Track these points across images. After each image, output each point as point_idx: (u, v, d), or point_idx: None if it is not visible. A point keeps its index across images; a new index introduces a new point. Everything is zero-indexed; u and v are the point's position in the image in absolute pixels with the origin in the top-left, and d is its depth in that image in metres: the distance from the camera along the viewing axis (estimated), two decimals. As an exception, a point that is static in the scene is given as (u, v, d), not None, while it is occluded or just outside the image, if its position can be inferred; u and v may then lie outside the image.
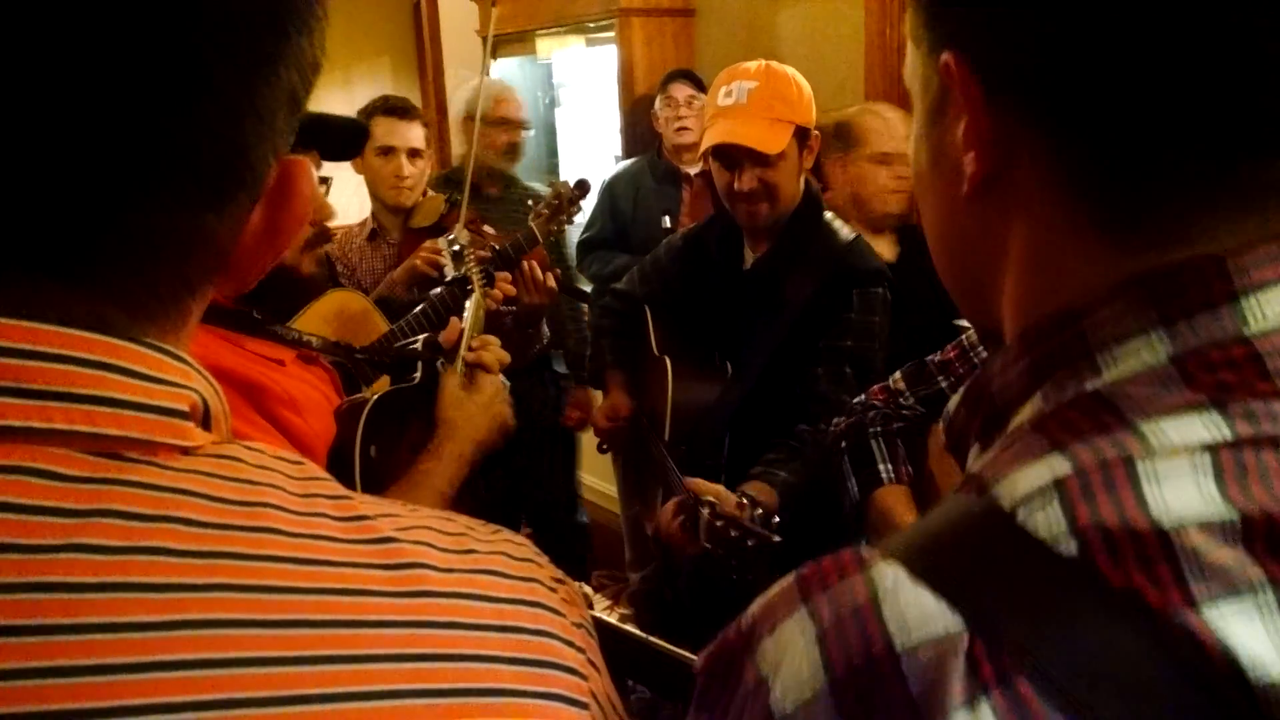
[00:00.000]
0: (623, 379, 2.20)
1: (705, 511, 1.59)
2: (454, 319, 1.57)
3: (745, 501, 1.60)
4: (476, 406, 1.37)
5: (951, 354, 1.51)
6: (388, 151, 2.54)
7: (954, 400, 0.53)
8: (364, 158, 2.55)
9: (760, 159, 1.80)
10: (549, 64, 4.23)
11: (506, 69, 4.30)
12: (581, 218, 2.78)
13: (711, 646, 0.44)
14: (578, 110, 4.18)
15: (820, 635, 0.40)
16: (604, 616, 1.17)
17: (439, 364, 1.47)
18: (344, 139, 1.29)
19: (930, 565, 0.40)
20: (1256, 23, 0.39)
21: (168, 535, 0.39)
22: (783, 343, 1.86)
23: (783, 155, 1.81)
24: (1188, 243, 0.43)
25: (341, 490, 0.46)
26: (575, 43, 3.97)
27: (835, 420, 1.65)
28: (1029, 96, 0.45)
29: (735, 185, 1.83)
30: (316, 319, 1.74)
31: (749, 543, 1.52)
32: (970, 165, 0.47)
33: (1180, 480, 0.38)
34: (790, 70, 1.88)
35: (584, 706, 0.44)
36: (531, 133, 3.18)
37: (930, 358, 1.53)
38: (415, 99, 6.04)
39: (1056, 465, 0.40)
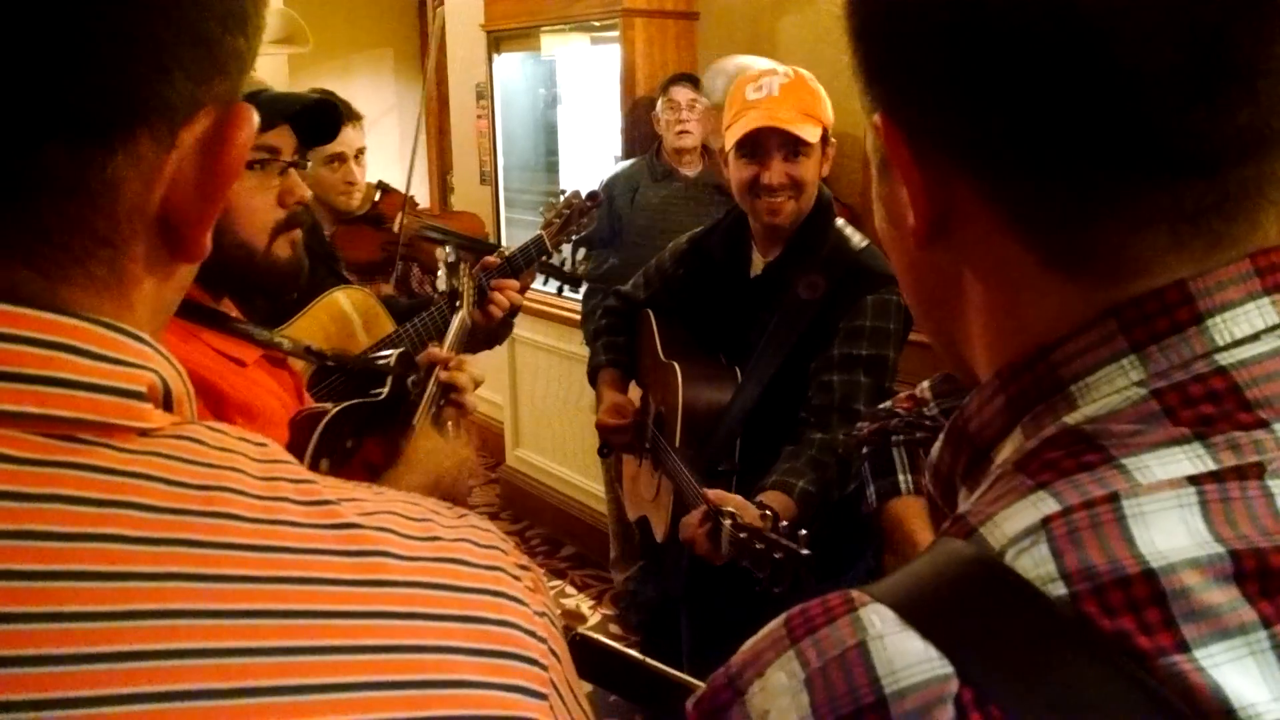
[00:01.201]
0: (616, 377, 2.20)
1: (727, 523, 1.56)
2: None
3: (768, 513, 1.57)
4: (445, 450, 1.34)
5: None
6: (336, 159, 2.54)
7: (936, 447, 0.53)
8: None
9: (790, 151, 1.80)
10: (552, 61, 4.22)
11: (509, 64, 4.30)
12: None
13: (700, 693, 0.44)
14: (579, 109, 4.18)
15: (807, 680, 0.39)
16: (597, 636, 1.15)
17: (409, 382, 1.44)
18: (317, 120, 1.26)
19: (918, 609, 0.40)
20: (1148, 60, 0.40)
21: (120, 521, 0.38)
22: (795, 344, 1.85)
23: (811, 149, 1.82)
24: (1145, 272, 0.44)
25: (306, 474, 0.44)
26: (579, 41, 3.96)
27: (859, 425, 1.64)
28: (959, 152, 0.46)
29: (763, 178, 1.81)
30: (316, 318, 1.71)
31: (776, 555, 1.49)
32: (910, 219, 0.49)
33: (1167, 517, 0.38)
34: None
35: (543, 697, 0.44)
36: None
37: None
38: (417, 92, 6.05)
39: (1042, 504, 0.40)
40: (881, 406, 1.60)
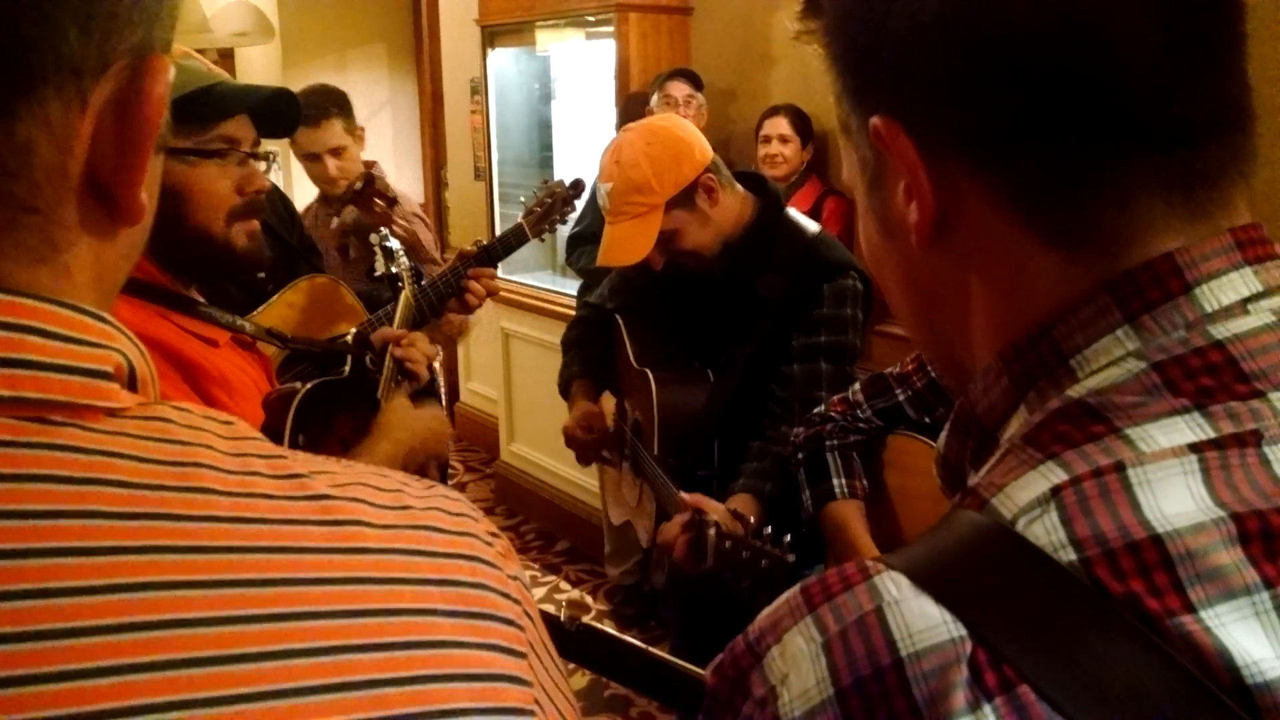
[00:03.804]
0: (589, 388, 2.18)
1: (711, 532, 1.55)
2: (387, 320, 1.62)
3: (750, 520, 1.57)
4: (416, 417, 1.43)
5: (910, 366, 1.49)
6: (313, 158, 2.71)
7: (942, 438, 0.55)
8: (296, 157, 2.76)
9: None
10: (546, 57, 4.22)
11: (503, 60, 4.29)
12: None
13: (719, 659, 0.45)
14: (573, 104, 4.17)
15: (826, 644, 0.41)
16: (599, 625, 1.16)
17: (367, 359, 1.52)
18: (275, 112, 1.28)
19: (933, 575, 0.41)
20: (1133, 40, 0.44)
21: (98, 498, 0.38)
22: (761, 344, 1.83)
23: (674, 229, 1.77)
24: (1137, 244, 0.46)
25: (275, 449, 0.45)
26: (574, 36, 3.96)
27: (795, 431, 1.63)
28: (963, 142, 0.48)
29: (654, 265, 1.81)
30: (283, 306, 1.72)
31: (762, 563, 1.49)
32: (914, 215, 0.50)
33: (1172, 484, 0.40)
34: (646, 136, 1.82)
35: (522, 656, 0.45)
36: None
37: (889, 370, 1.53)
38: (412, 87, 6.03)
39: (1051, 475, 0.42)
40: (814, 412, 1.62)
